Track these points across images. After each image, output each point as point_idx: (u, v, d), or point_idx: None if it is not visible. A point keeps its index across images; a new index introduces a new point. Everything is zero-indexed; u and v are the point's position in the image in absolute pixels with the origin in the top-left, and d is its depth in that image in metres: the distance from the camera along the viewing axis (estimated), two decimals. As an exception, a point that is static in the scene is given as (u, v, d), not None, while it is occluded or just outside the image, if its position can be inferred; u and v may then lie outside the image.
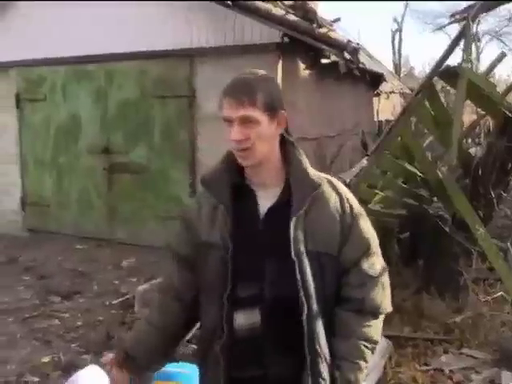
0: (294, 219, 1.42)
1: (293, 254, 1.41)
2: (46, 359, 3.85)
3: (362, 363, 1.48)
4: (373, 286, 1.50)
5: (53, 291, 5.16)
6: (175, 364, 1.16)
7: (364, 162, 4.43)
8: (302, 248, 1.42)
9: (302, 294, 1.41)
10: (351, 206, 1.51)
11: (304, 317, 1.41)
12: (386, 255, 1.61)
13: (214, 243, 1.47)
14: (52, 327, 4.39)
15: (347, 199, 1.51)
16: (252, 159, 1.44)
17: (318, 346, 1.43)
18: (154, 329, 1.60)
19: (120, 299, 4.91)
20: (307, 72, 6.62)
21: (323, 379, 1.43)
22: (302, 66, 6.49)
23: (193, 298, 1.56)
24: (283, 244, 1.42)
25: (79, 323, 4.46)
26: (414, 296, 4.43)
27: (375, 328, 1.52)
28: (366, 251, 1.51)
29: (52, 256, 6.31)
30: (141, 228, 6.53)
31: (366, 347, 1.49)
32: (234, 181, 1.50)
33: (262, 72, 1.49)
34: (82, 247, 6.65)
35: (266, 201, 1.48)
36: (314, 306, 1.43)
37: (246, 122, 1.39)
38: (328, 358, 1.45)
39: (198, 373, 1.14)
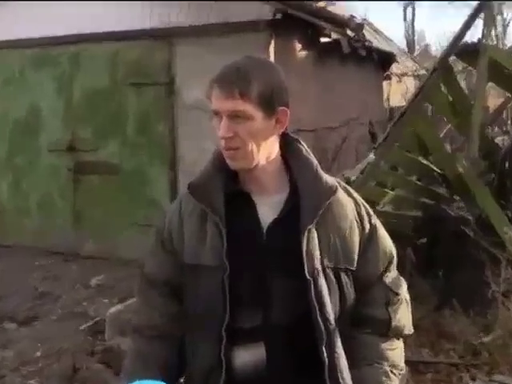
0: (306, 231, 1.37)
1: (307, 272, 1.36)
2: (-2, 398, 3.77)
3: None
4: (398, 305, 1.51)
5: (7, 316, 5.07)
6: (144, 381, 1.19)
7: (371, 156, 4.43)
8: (318, 265, 1.38)
9: (319, 319, 1.36)
10: (368, 213, 1.50)
11: (323, 346, 1.36)
12: (399, 265, 1.58)
13: (205, 264, 1.39)
14: (5, 360, 4.29)
15: (363, 205, 1.51)
16: (242, 161, 1.38)
17: (340, 378, 1.38)
18: None
19: (88, 324, 4.84)
20: (304, 53, 6.65)
21: None
22: (298, 46, 6.52)
23: (181, 333, 1.47)
24: (293, 261, 1.37)
25: (38, 354, 4.37)
26: (432, 312, 4.40)
27: (400, 352, 1.53)
28: (389, 264, 1.52)
29: (8, 273, 6.20)
30: (113, 238, 6.47)
31: (394, 374, 1.48)
32: (228, 186, 1.43)
33: (261, 58, 1.46)
34: (44, 262, 6.56)
35: (268, 210, 1.42)
36: (334, 333, 1.39)
37: (236, 116, 1.35)
38: None
39: None
